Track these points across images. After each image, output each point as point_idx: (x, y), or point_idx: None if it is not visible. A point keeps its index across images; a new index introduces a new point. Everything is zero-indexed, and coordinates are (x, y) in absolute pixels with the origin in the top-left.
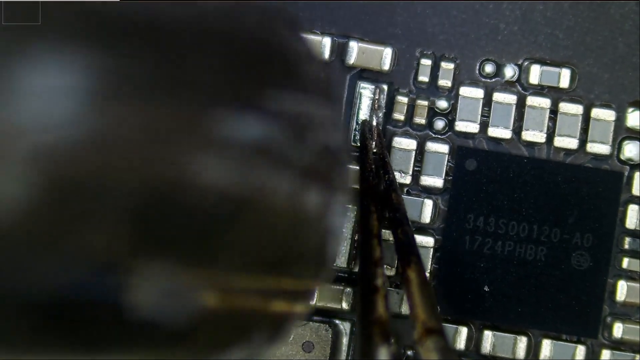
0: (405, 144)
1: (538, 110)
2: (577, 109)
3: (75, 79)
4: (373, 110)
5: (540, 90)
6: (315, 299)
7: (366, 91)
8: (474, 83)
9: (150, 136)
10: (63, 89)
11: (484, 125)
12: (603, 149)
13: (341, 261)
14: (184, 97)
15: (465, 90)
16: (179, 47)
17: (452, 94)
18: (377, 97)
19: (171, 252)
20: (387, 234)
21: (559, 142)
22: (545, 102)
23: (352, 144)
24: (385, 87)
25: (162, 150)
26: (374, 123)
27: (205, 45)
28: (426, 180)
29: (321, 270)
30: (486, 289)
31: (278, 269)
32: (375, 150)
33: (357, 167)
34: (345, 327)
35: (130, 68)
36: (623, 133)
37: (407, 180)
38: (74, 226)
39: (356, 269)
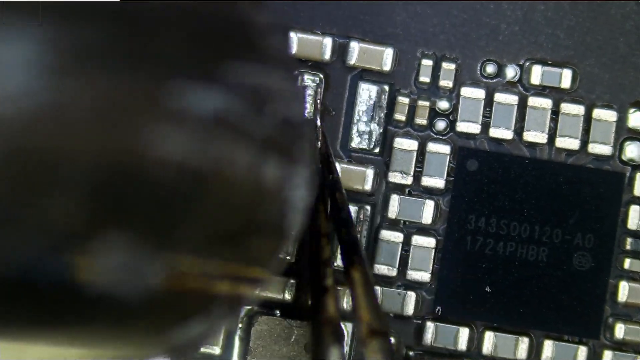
0: (406, 144)
1: (539, 111)
2: (579, 109)
3: (32, 51)
4: (315, 109)
5: (541, 90)
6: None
7: (365, 92)
8: (475, 83)
9: (108, 109)
10: (19, 62)
11: (485, 126)
12: (604, 149)
13: (341, 261)
14: (142, 69)
15: (466, 91)
16: (137, 19)
17: (453, 95)
18: (319, 97)
19: (129, 225)
20: (389, 236)
21: (561, 142)
22: (546, 103)
23: (355, 146)
24: (386, 87)
25: (120, 122)
26: (318, 123)
27: (163, 18)
28: (427, 181)
29: (281, 243)
30: (488, 289)
31: (237, 241)
32: (320, 150)
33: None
34: (346, 327)
35: (88, 41)
36: (624, 133)
37: (409, 181)
38: (32, 199)
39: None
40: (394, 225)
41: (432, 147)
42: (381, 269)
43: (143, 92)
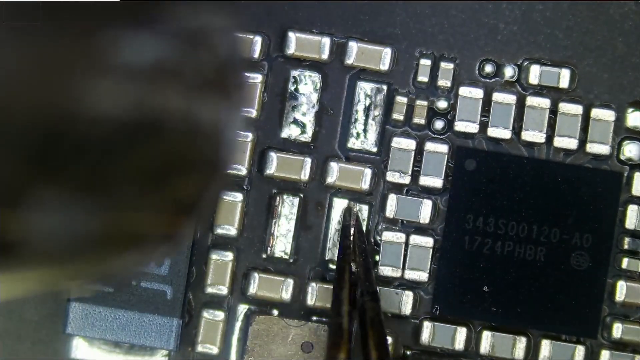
0: (404, 144)
1: (538, 111)
2: (577, 109)
3: None
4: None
5: (539, 90)
6: (312, 300)
7: (363, 91)
8: (474, 83)
9: (41, 67)
10: None
11: (483, 126)
12: (603, 149)
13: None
14: (72, 23)
15: (464, 90)
16: None
17: (451, 94)
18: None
19: (64, 182)
20: (392, 237)
21: (559, 142)
22: (544, 102)
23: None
24: (384, 87)
25: (53, 80)
26: (355, 209)
27: None
28: (425, 181)
29: (214, 181)
30: (485, 289)
31: (171, 180)
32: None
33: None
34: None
35: None
36: (623, 133)
37: (407, 180)
38: None
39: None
40: (392, 224)
41: (430, 146)
42: (385, 270)
43: (74, 47)
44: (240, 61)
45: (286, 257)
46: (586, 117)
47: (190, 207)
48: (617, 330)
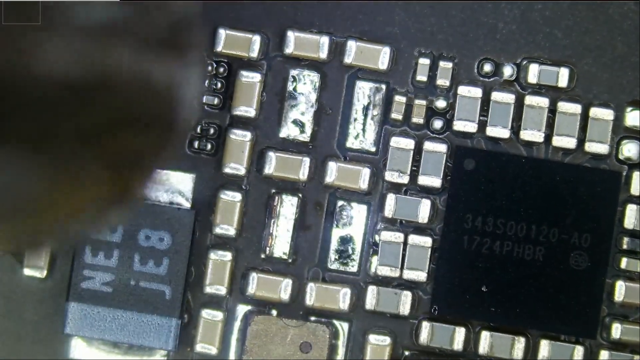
0: (403, 143)
1: (536, 110)
2: (576, 108)
3: None
4: None
5: (538, 89)
6: (311, 300)
7: (362, 90)
8: (473, 82)
9: None
10: None
11: (482, 125)
12: (601, 148)
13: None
14: None
15: (463, 90)
16: None
17: (450, 94)
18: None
19: (15, 140)
20: (390, 236)
21: (558, 141)
22: (543, 102)
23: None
24: (383, 86)
25: (3, 37)
26: None
27: None
28: (424, 180)
29: (169, 137)
30: (484, 289)
31: (121, 139)
32: None
33: None
34: (343, 327)
35: None
36: (622, 132)
37: (405, 180)
38: None
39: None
40: (390, 224)
41: (428, 146)
42: (383, 270)
43: (23, 5)
44: (194, 20)
45: (285, 257)
46: (585, 116)
47: (142, 166)
48: (616, 330)
